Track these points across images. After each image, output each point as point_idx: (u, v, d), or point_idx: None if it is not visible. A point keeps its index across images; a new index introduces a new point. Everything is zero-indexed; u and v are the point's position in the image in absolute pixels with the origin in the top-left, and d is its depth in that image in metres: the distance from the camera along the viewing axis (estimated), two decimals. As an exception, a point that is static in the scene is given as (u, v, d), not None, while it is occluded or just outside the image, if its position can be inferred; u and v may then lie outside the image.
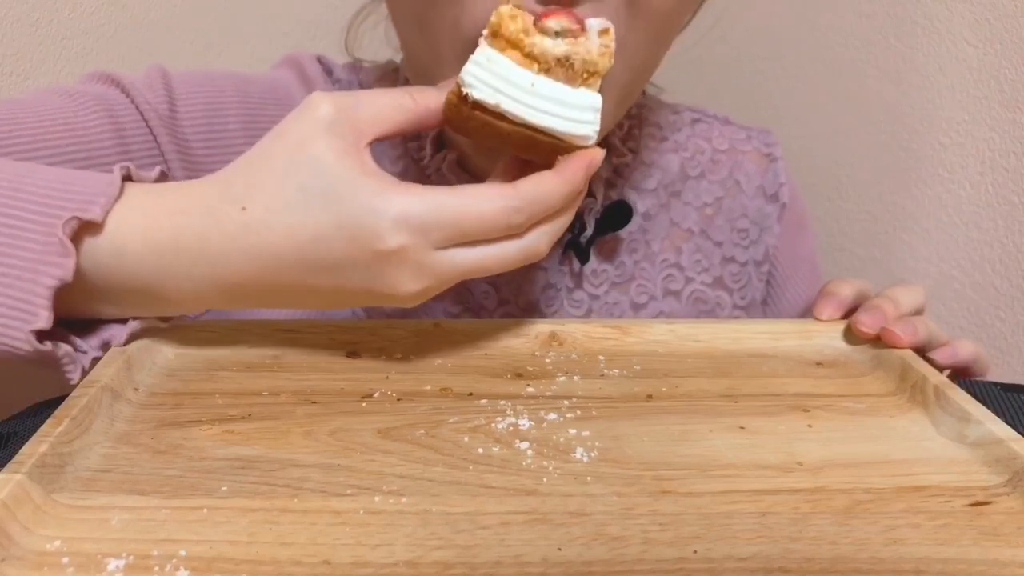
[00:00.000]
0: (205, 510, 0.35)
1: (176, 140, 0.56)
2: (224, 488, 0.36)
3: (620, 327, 0.51)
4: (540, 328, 0.51)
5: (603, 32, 0.42)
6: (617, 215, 0.61)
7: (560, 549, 0.33)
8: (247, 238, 0.41)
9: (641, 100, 0.66)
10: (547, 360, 0.49)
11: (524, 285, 0.61)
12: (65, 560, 0.31)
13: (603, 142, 0.61)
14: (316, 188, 0.40)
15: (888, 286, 0.54)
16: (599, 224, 0.61)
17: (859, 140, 0.89)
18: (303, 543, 0.33)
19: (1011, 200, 0.77)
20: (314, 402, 0.43)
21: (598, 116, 0.42)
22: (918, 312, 0.53)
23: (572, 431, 0.41)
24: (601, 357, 0.49)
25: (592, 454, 0.39)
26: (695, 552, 0.33)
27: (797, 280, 0.68)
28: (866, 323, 0.50)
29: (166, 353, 0.47)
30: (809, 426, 0.43)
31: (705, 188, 0.66)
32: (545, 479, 0.37)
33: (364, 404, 0.43)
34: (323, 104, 0.40)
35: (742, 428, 0.42)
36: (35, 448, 0.36)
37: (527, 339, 0.50)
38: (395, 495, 0.36)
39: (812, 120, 0.94)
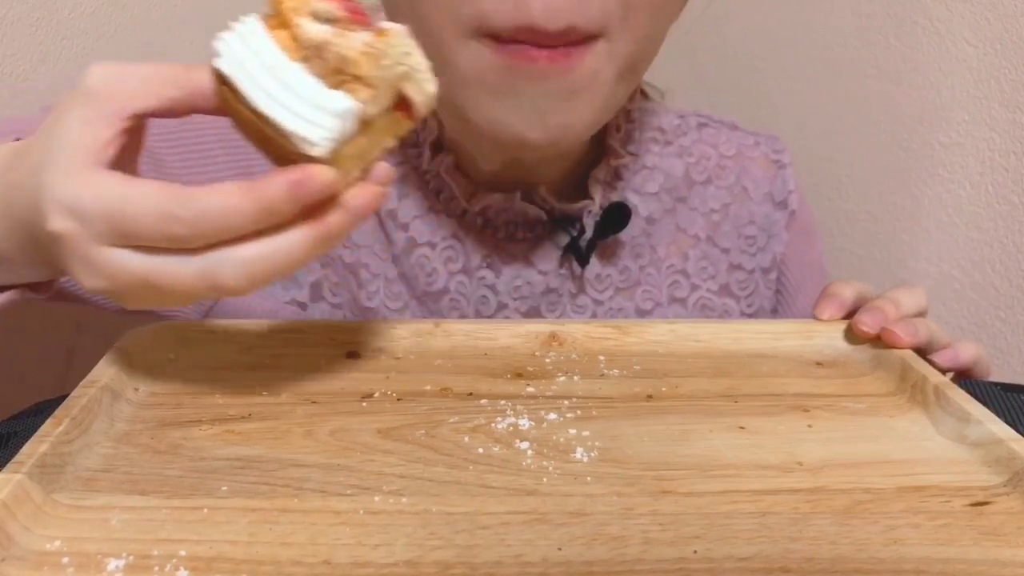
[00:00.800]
0: (205, 510, 0.35)
1: (147, 153, 0.55)
2: (224, 488, 0.36)
3: (620, 327, 0.51)
4: (540, 328, 0.51)
5: (381, 33, 0.36)
6: (618, 217, 0.60)
7: (560, 549, 0.33)
8: (7, 196, 0.39)
9: (642, 104, 0.65)
10: (547, 360, 0.49)
11: (523, 289, 0.60)
12: (65, 560, 0.31)
13: (600, 144, 0.61)
14: (47, 155, 0.38)
15: (890, 288, 0.54)
16: (599, 227, 0.60)
17: (859, 140, 0.89)
18: (303, 543, 0.33)
19: (1011, 200, 0.77)
20: (314, 402, 0.43)
21: (339, 127, 0.35)
22: (920, 314, 0.53)
23: (572, 431, 0.41)
24: (601, 357, 0.49)
25: (592, 454, 0.39)
26: (695, 552, 0.33)
27: (808, 288, 0.67)
28: (867, 323, 0.50)
29: (166, 353, 0.47)
30: (809, 426, 0.43)
31: (712, 194, 0.65)
32: (545, 479, 0.37)
33: (364, 404, 0.43)
34: (94, 72, 0.38)
35: (742, 428, 0.42)
36: (35, 448, 0.36)
37: (527, 339, 0.50)
38: (395, 495, 0.36)
39: (812, 120, 0.94)
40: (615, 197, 0.62)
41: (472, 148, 0.58)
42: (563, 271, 0.61)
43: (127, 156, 0.39)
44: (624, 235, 0.61)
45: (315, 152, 0.35)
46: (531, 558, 0.32)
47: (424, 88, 0.38)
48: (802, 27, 0.93)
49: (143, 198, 0.35)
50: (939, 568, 0.32)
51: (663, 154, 0.64)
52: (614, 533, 0.34)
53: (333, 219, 0.37)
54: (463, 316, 0.60)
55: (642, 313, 0.63)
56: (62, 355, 0.74)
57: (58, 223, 0.36)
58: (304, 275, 0.60)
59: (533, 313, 0.61)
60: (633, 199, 0.62)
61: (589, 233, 0.60)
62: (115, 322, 0.59)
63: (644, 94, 0.66)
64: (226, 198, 0.35)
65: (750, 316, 0.65)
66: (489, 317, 0.60)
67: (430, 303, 0.60)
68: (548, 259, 0.60)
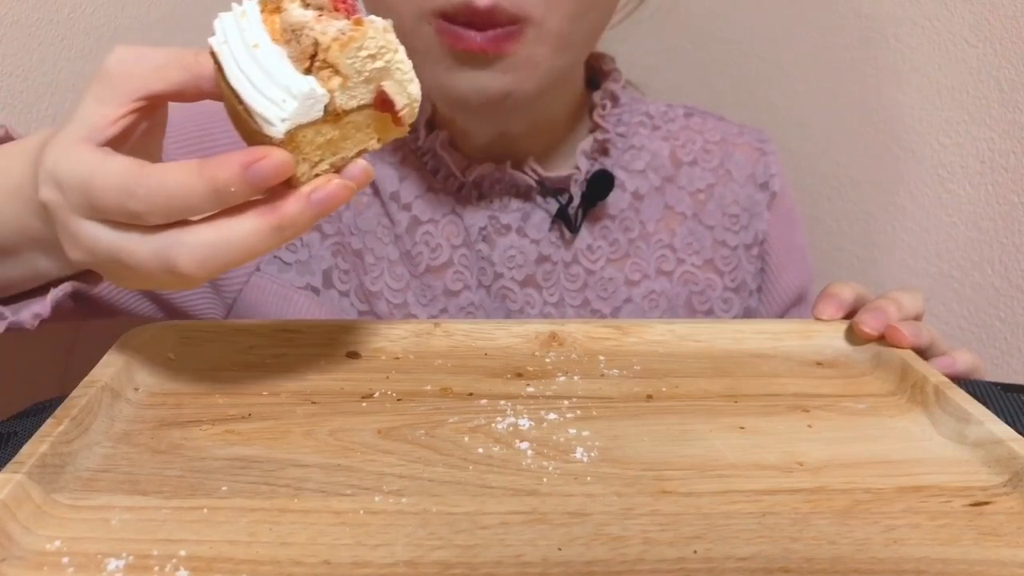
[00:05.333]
0: (205, 510, 0.35)
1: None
2: (224, 488, 0.36)
3: (620, 327, 0.51)
4: (540, 328, 0.51)
5: (359, 23, 0.35)
6: (603, 185, 0.63)
7: (560, 549, 0.33)
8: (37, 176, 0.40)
9: (632, 92, 0.69)
10: (547, 360, 0.49)
11: (517, 258, 0.63)
12: (65, 560, 0.31)
13: (586, 120, 0.65)
14: (59, 130, 0.39)
15: (889, 288, 0.54)
16: (586, 195, 0.63)
17: (859, 140, 0.89)
18: (303, 543, 0.33)
19: (1011, 200, 0.77)
20: (314, 402, 0.43)
21: (298, 109, 0.35)
22: (918, 317, 0.53)
23: (572, 431, 0.41)
24: (601, 357, 0.49)
25: (592, 454, 0.39)
26: (695, 552, 0.33)
27: (790, 269, 0.70)
28: (869, 323, 0.50)
29: (166, 353, 0.47)
30: (809, 426, 0.43)
31: (698, 175, 0.68)
32: (545, 479, 0.37)
33: (364, 404, 0.43)
34: (114, 55, 0.39)
35: (742, 428, 0.42)
36: (35, 448, 0.36)
37: (527, 339, 0.50)
38: (395, 495, 0.36)
39: (812, 120, 0.94)
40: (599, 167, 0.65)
41: (462, 122, 0.61)
42: (554, 239, 0.64)
43: (143, 137, 0.40)
44: (613, 208, 0.65)
45: (272, 132, 0.35)
46: (531, 558, 0.32)
47: (406, 89, 0.38)
48: (802, 27, 0.92)
49: (108, 171, 0.36)
50: (939, 568, 0.32)
51: (651, 137, 0.68)
52: (614, 533, 0.34)
53: (289, 208, 0.36)
54: (466, 287, 0.63)
55: (630, 283, 0.65)
56: (62, 355, 0.74)
57: (44, 192, 0.37)
58: (317, 262, 0.62)
59: (529, 282, 0.63)
60: (620, 175, 0.65)
61: (576, 200, 0.63)
62: (115, 322, 0.60)
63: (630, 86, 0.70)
64: (179, 176, 0.35)
65: (733, 291, 0.68)
66: (488, 287, 0.63)
67: (433, 279, 0.62)
68: (539, 228, 0.63)
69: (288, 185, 0.37)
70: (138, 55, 0.39)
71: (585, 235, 0.64)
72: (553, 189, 0.63)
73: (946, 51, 0.80)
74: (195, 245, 0.36)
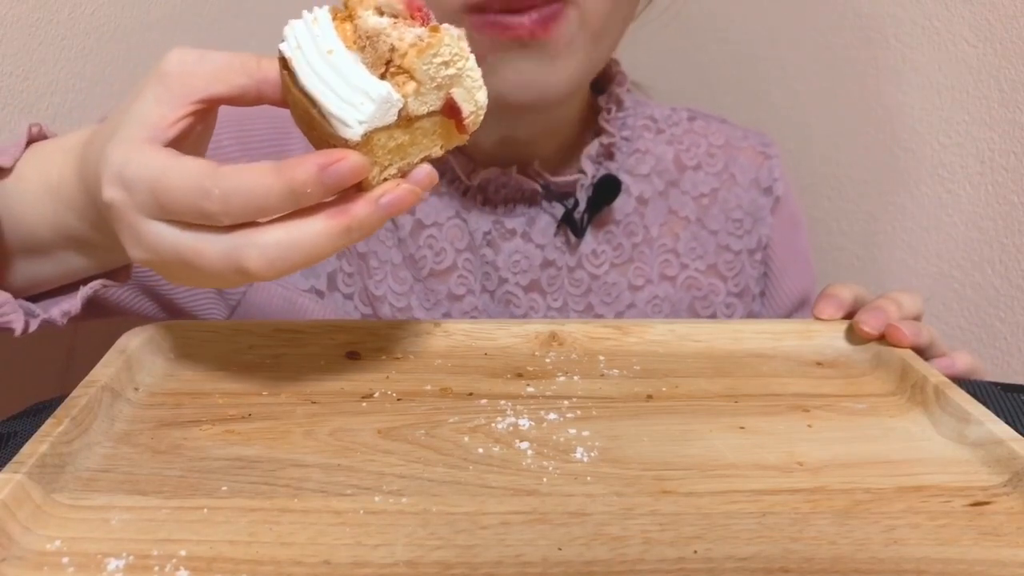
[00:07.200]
0: (205, 510, 0.35)
1: None
2: (224, 488, 0.36)
3: (620, 327, 0.51)
4: (540, 328, 0.51)
5: (435, 30, 0.36)
6: (609, 190, 0.62)
7: (560, 549, 0.33)
8: (83, 171, 0.41)
9: (635, 96, 0.69)
10: (547, 360, 0.49)
11: (522, 263, 0.63)
12: (65, 560, 0.31)
13: (591, 125, 0.64)
14: (116, 129, 0.39)
15: (889, 290, 0.55)
16: (592, 200, 0.62)
17: (859, 140, 0.89)
18: (303, 543, 0.33)
19: (1011, 200, 0.77)
20: (314, 402, 0.43)
21: (375, 113, 0.36)
22: (917, 317, 0.54)
23: (572, 431, 0.41)
24: (601, 357, 0.49)
25: (592, 454, 0.39)
26: (695, 552, 0.33)
27: (794, 273, 0.70)
28: (869, 323, 0.50)
29: (166, 353, 0.47)
30: (809, 426, 0.43)
31: (702, 179, 0.68)
32: (545, 479, 0.37)
33: (364, 404, 0.43)
34: (172, 56, 0.39)
35: (742, 428, 0.42)
36: (35, 448, 0.36)
37: (527, 339, 0.50)
38: (395, 495, 0.36)
39: (812, 120, 0.94)
40: (605, 172, 0.65)
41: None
42: (559, 244, 0.63)
43: (196, 139, 0.41)
44: (618, 213, 0.65)
45: (349, 134, 0.36)
46: (531, 558, 0.32)
47: (474, 96, 0.39)
48: (802, 27, 0.92)
49: (181, 171, 0.36)
50: (939, 568, 0.32)
51: (655, 141, 0.68)
52: (614, 533, 0.34)
53: (359, 210, 0.37)
54: (470, 292, 0.62)
55: (634, 288, 0.65)
56: (62, 355, 0.74)
57: (108, 192, 0.37)
58: (322, 265, 0.62)
59: (534, 287, 0.63)
60: (625, 179, 0.65)
61: (582, 205, 0.63)
62: (115, 322, 0.60)
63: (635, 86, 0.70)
64: (256, 176, 0.35)
65: (737, 295, 0.68)
66: (492, 292, 0.63)
67: (437, 283, 0.62)
68: (545, 233, 0.63)
69: (357, 188, 0.37)
70: (199, 57, 0.39)
71: (590, 240, 0.64)
72: (559, 193, 0.62)
73: (946, 51, 0.80)
74: (266, 245, 0.36)
